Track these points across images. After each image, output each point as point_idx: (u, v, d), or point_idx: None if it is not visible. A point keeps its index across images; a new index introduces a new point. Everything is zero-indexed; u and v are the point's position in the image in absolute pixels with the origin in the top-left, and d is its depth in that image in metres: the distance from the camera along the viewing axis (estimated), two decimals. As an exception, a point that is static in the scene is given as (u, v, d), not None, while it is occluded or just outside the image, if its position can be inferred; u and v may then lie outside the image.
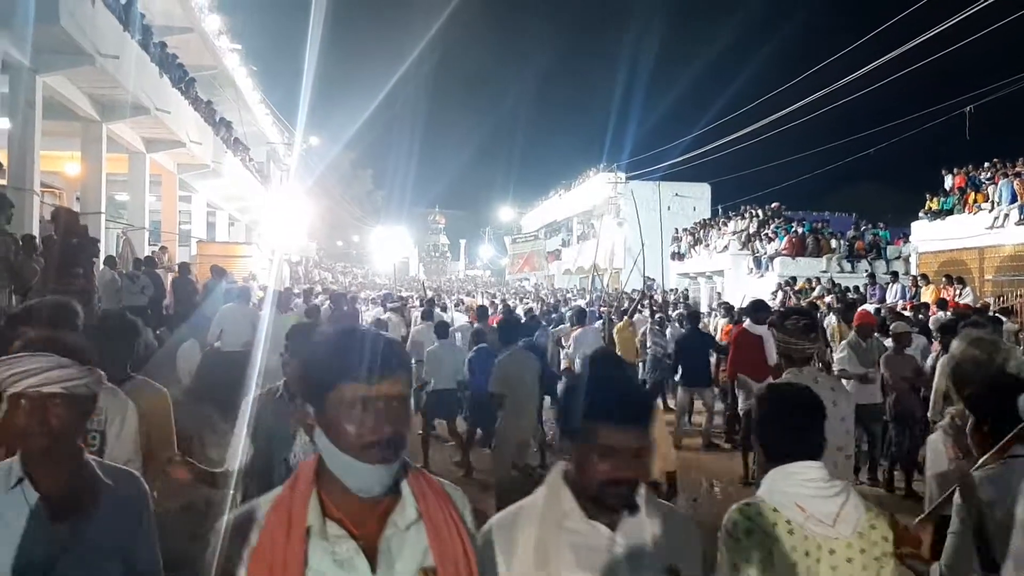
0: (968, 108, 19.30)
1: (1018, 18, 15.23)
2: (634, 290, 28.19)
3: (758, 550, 1.96)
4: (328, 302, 13.51)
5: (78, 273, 6.57)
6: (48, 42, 10.95)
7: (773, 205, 29.51)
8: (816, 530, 1.97)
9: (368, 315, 14.24)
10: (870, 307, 13.80)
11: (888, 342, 8.22)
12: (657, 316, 13.50)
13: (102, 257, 12.18)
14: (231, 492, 6.50)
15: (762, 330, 8.18)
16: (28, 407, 1.81)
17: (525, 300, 25.48)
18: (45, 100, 12.05)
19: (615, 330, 11.37)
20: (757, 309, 8.73)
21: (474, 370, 8.20)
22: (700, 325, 11.84)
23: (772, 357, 7.12)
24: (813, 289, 19.95)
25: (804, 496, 2.00)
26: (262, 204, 29.09)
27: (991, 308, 13.95)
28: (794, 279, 21.51)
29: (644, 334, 12.05)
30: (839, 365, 7.73)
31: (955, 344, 3.47)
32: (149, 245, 18.27)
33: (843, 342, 8.17)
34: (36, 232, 9.97)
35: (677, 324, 13.26)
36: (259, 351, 8.52)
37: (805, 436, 2.09)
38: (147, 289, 11.92)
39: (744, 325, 8.66)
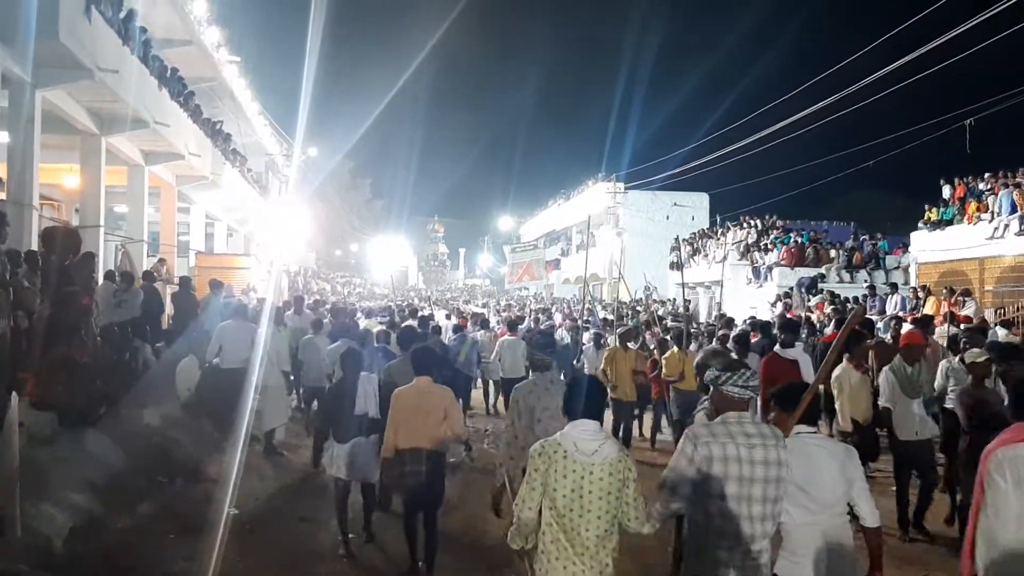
0: (969, 121, 19.26)
1: (1019, 30, 15.25)
2: (632, 300, 28.09)
3: (544, 465, 3.32)
4: (328, 316, 13.31)
5: (76, 291, 6.52)
6: (48, 57, 10.92)
7: (774, 220, 29.52)
8: (582, 458, 3.30)
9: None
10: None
11: (951, 362, 7.48)
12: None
13: (101, 272, 12.10)
14: (229, 512, 6.46)
15: (796, 353, 7.46)
16: None
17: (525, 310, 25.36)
18: (44, 114, 12.01)
19: (664, 357, 9.83)
20: (786, 330, 7.82)
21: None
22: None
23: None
24: (816, 293, 19.87)
25: (578, 438, 3.34)
26: (261, 215, 29.07)
27: (992, 320, 13.93)
28: (792, 289, 21.45)
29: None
30: (880, 399, 6.58)
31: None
32: (148, 257, 18.23)
33: (885, 368, 6.70)
34: (35, 247, 9.88)
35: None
36: (257, 369, 8.51)
37: (588, 405, 3.45)
38: (127, 303, 11.09)
39: (775, 350, 7.64)
